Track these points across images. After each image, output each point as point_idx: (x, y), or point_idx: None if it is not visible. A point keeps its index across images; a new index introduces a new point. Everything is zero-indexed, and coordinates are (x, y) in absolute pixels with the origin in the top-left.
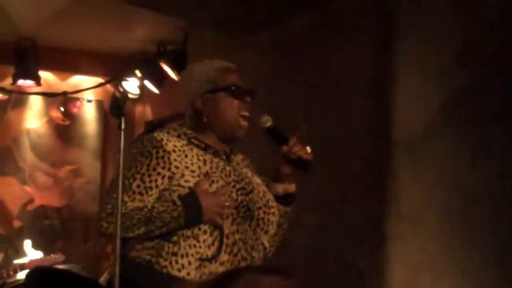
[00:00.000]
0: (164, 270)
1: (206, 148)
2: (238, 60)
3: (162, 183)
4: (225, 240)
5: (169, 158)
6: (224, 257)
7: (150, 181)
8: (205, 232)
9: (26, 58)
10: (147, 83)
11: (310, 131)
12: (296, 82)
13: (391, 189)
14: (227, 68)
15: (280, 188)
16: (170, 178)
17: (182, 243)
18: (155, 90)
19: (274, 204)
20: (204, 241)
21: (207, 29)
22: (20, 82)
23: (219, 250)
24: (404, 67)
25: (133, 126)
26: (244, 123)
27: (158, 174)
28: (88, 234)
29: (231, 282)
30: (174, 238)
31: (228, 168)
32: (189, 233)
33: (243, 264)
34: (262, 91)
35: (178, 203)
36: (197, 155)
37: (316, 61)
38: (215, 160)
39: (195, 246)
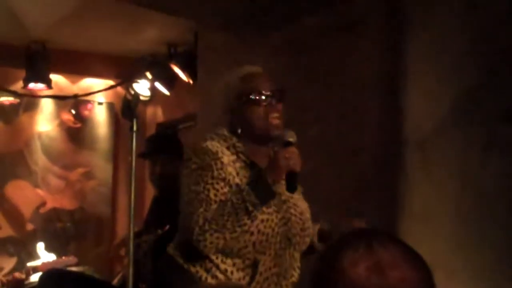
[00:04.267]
0: (196, 279)
1: (251, 166)
2: (249, 61)
3: (228, 190)
4: (257, 277)
5: (226, 170)
6: None
7: (222, 188)
8: (238, 269)
9: (37, 61)
10: (157, 84)
11: (322, 130)
12: (308, 83)
13: (402, 188)
14: (250, 74)
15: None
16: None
17: (213, 267)
18: (166, 91)
19: (309, 223)
20: (232, 273)
21: (218, 30)
22: (31, 85)
23: (248, 284)
24: (416, 66)
25: (145, 128)
26: (275, 122)
27: (223, 181)
28: (100, 237)
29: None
30: (209, 265)
31: None
32: (222, 267)
33: None
34: None
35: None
36: (244, 177)
37: (328, 61)
38: None
39: (224, 273)
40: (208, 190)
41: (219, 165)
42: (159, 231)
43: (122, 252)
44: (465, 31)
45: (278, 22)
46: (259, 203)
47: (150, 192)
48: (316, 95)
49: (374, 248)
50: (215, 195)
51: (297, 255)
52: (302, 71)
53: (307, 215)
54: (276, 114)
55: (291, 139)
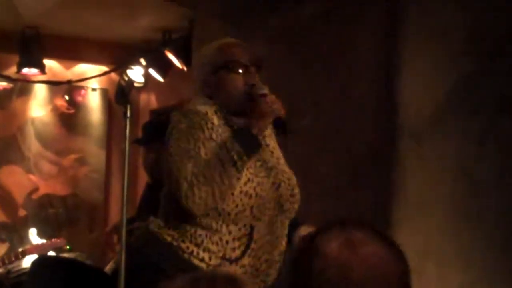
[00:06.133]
0: (186, 256)
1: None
2: None
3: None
4: (252, 245)
5: (218, 130)
6: (246, 260)
7: (212, 148)
8: (234, 238)
9: (31, 46)
10: (151, 71)
11: (318, 118)
12: (304, 70)
13: (398, 176)
14: (226, 44)
15: None
16: None
17: (205, 239)
18: (160, 78)
19: (297, 189)
20: (227, 242)
21: (213, 17)
22: (25, 70)
23: (243, 253)
24: (412, 55)
25: (138, 115)
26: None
27: (214, 141)
28: (93, 223)
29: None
30: (200, 232)
31: (259, 163)
32: (214, 239)
33: (264, 266)
34: (269, 80)
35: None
36: None
37: (324, 49)
38: None
39: (217, 244)
40: (199, 148)
41: (209, 125)
42: (152, 218)
43: (114, 238)
44: (461, 20)
45: (275, 10)
46: (243, 152)
47: (143, 178)
48: (311, 83)
49: (346, 229)
50: (206, 154)
51: (286, 223)
52: (298, 59)
53: (294, 181)
54: (252, 81)
55: (264, 91)
